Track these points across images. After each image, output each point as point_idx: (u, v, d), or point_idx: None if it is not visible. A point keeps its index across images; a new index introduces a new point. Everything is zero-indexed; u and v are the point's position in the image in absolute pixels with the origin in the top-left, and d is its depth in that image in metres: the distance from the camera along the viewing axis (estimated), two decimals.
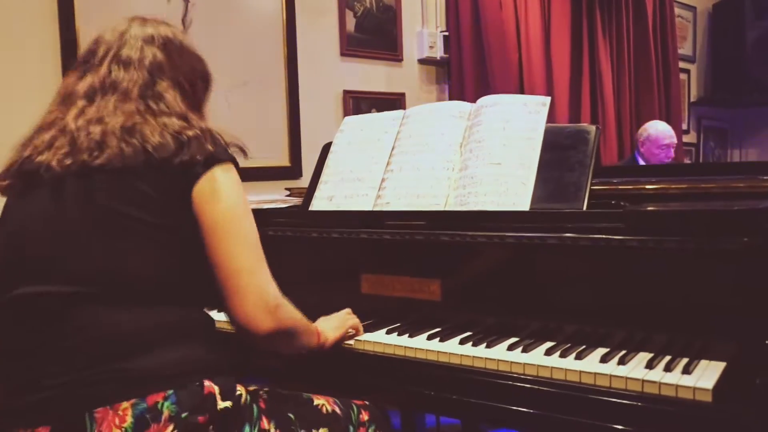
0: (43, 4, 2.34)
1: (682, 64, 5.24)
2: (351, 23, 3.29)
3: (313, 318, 1.33)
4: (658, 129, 3.95)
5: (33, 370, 1.05)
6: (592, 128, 1.50)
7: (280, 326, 1.14)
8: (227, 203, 1.14)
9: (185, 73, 1.25)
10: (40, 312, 1.07)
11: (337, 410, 1.27)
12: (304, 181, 2.57)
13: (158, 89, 1.19)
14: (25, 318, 1.08)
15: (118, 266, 1.09)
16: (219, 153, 1.16)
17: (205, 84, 1.32)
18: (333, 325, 1.38)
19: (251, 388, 1.21)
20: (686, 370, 1.10)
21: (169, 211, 1.12)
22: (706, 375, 1.09)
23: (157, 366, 1.05)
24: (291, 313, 1.20)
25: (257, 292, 1.12)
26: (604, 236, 1.28)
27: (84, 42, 2.37)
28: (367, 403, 1.33)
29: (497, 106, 1.61)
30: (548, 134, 1.52)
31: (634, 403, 1.09)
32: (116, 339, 1.06)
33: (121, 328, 1.07)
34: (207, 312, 1.22)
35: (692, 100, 5.62)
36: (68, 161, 1.11)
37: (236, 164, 1.20)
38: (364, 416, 1.30)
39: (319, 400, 1.27)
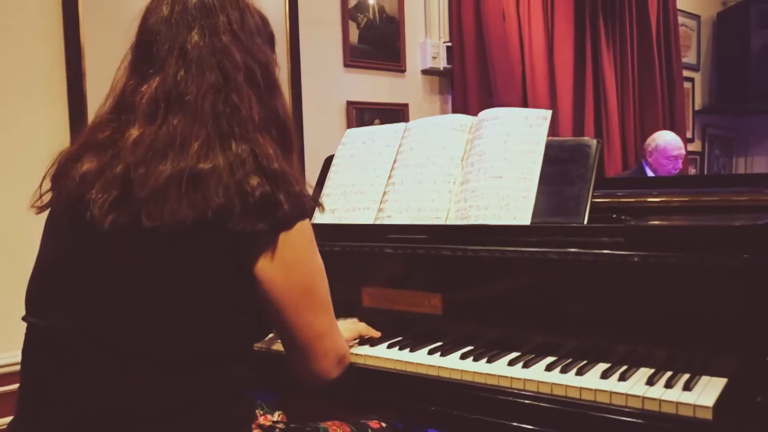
0: (49, 15, 2.36)
1: (686, 73, 5.23)
2: (354, 34, 3.31)
3: None
4: (666, 140, 3.94)
5: (42, 408, 1.00)
6: (593, 142, 1.50)
7: (344, 369, 1.19)
8: (300, 272, 1.05)
9: (255, 50, 1.08)
10: (57, 353, 1.00)
11: None
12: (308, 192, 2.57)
13: (232, 99, 1.02)
14: (42, 352, 1.03)
15: (149, 336, 0.98)
16: (286, 214, 1.00)
17: (272, 47, 1.17)
18: (346, 328, 1.42)
19: (265, 420, 1.21)
20: (687, 387, 1.10)
21: (223, 287, 1.00)
22: (707, 392, 1.08)
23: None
24: (349, 352, 1.24)
25: (334, 353, 1.15)
26: (605, 251, 1.28)
27: (90, 53, 2.38)
28: (383, 425, 1.31)
29: (498, 119, 1.61)
30: (549, 148, 1.52)
31: (635, 420, 1.08)
32: (130, 406, 0.98)
33: (140, 394, 0.98)
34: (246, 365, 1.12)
35: (697, 108, 5.61)
36: (113, 215, 0.96)
37: (309, 216, 1.07)
38: None
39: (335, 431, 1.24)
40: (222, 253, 0.99)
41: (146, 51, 1.05)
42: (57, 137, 1.11)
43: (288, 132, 1.13)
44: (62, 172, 1.05)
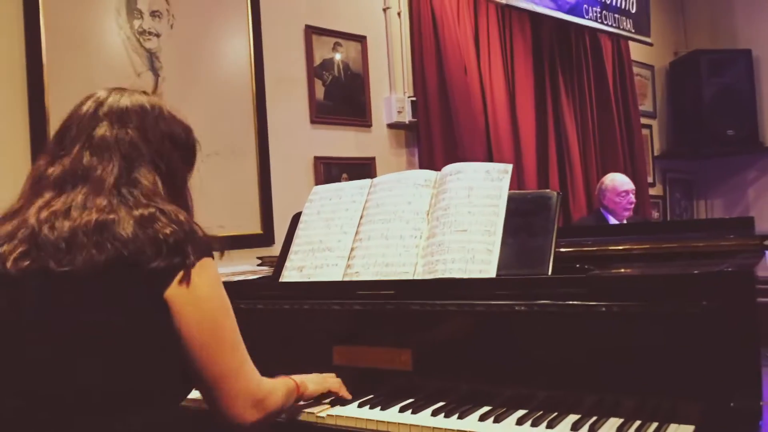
0: (13, 81, 2.37)
1: (644, 120, 5.42)
2: (320, 91, 3.37)
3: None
4: (614, 179, 4.12)
5: None
6: (553, 194, 1.54)
7: (267, 413, 1.17)
8: (207, 307, 1.10)
9: (162, 149, 1.19)
10: None
11: None
12: (277, 249, 2.58)
13: (135, 176, 1.13)
14: None
15: (78, 379, 1.02)
16: (195, 251, 1.09)
17: (186, 156, 1.27)
18: (312, 379, 1.40)
19: None
20: None
21: (140, 317, 1.05)
22: None
23: None
24: (275, 396, 1.21)
25: (244, 392, 1.14)
26: (570, 302, 1.30)
27: (54, 119, 2.39)
28: None
29: (461, 173, 1.64)
30: (511, 201, 1.55)
31: None
32: None
33: None
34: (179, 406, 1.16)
35: (656, 154, 5.78)
36: (26, 262, 1.04)
37: (212, 255, 1.14)
38: None
39: None
40: (137, 287, 1.04)
41: (61, 138, 1.18)
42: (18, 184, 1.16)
43: (189, 207, 1.25)
44: None
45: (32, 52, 2.39)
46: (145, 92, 1.25)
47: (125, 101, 1.20)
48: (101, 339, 1.03)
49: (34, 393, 1.01)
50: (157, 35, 2.74)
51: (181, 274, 1.07)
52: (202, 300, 1.08)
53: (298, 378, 1.36)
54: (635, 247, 1.73)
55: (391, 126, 3.70)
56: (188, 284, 1.07)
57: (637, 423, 1.17)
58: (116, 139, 1.15)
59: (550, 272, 1.42)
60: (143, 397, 1.05)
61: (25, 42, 2.39)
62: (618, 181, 4.09)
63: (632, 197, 4.08)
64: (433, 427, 1.27)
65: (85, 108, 1.19)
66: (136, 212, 1.08)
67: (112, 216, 1.06)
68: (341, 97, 3.46)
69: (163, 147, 1.19)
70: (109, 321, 1.04)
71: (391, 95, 3.70)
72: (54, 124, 2.38)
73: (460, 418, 1.29)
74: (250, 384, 1.15)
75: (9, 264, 1.04)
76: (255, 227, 3.02)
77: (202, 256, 1.10)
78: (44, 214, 1.08)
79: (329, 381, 1.45)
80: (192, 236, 1.10)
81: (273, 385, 1.23)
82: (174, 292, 1.06)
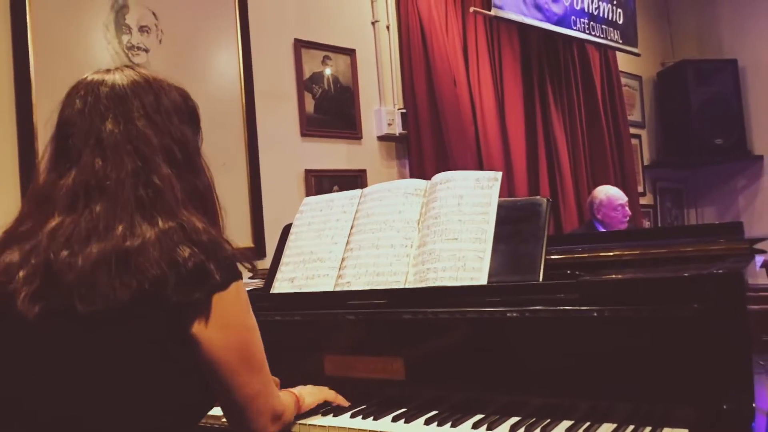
0: (1, 97, 2.36)
1: (633, 130, 5.45)
2: (310, 104, 3.38)
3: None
4: (607, 193, 4.09)
5: None
6: (543, 200, 1.54)
7: (284, 427, 1.20)
8: (236, 333, 1.05)
9: (172, 130, 1.10)
10: None
11: None
12: (268, 261, 2.57)
13: (152, 178, 1.03)
14: None
15: (104, 421, 0.98)
16: (221, 275, 1.01)
17: (192, 123, 1.18)
18: (309, 391, 1.41)
19: None
20: None
21: (162, 350, 1.00)
22: None
23: None
24: (291, 410, 1.25)
25: (270, 411, 1.14)
26: (561, 307, 1.30)
27: (43, 137, 2.38)
28: None
29: (451, 182, 1.65)
30: (501, 208, 1.55)
31: None
32: None
33: None
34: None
35: (646, 163, 5.81)
36: (40, 304, 0.95)
37: (241, 277, 1.07)
38: None
39: None
40: (160, 326, 0.99)
41: (63, 144, 1.07)
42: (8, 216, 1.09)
43: (212, 203, 1.15)
44: None
45: (20, 69, 2.39)
46: (130, 66, 1.16)
47: (120, 81, 1.09)
48: (119, 373, 0.98)
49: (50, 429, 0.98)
50: (146, 50, 2.74)
51: (205, 306, 1.00)
52: (229, 328, 1.03)
53: (296, 391, 1.37)
54: (626, 253, 1.73)
55: (381, 138, 3.71)
56: (214, 314, 1.01)
57: (631, 428, 1.17)
58: (126, 135, 1.05)
59: (541, 278, 1.42)
60: (161, 424, 1.02)
61: (12, 58, 2.39)
62: (613, 196, 4.04)
63: (627, 210, 4.06)
64: None
65: (80, 103, 1.08)
66: (155, 231, 0.99)
67: (134, 242, 0.97)
68: (331, 110, 3.47)
69: (172, 125, 1.10)
70: (128, 356, 0.98)
71: (381, 107, 3.71)
72: (43, 142, 2.38)
73: (453, 426, 1.28)
74: (273, 401, 1.16)
75: (20, 305, 0.95)
76: (246, 240, 3.01)
77: (229, 281, 1.02)
78: (60, 240, 0.97)
79: (324, 392, 1.45)
80: (215, 255, 1.01)
81: (287, 399, 1.27)
82: (199, 325, 1.00)
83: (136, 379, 0.99)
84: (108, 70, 1.14)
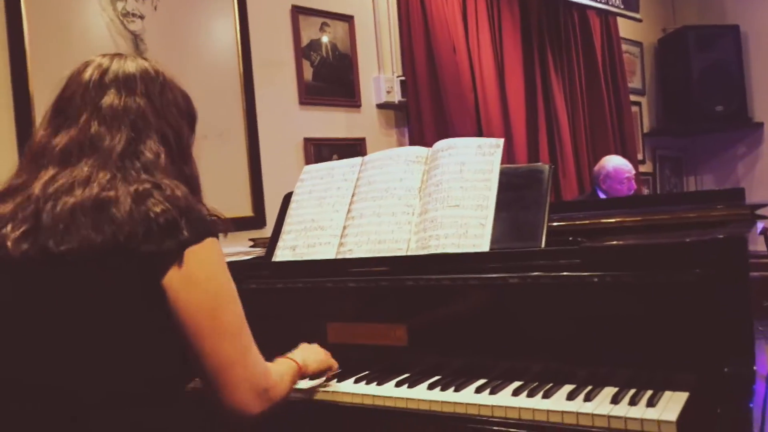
0: None
1: (633, 97, 5.42)
2: (308, 72, 3.34)
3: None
4: (615, 164, 3.99)
5: None
6: (545, 167, 1.54)
7: (273, 403, 1.12)
8: (205, 292, 1.03)
9: (170, 118, 1.16)
10: None
11: None
12: (268, 230, 2.57)
13: (141, 148, 1.09)
14: None
15: (75, 370, 0.99)
16: (192, 231, 1.03)
17: (190, 124, 1.24)
18: (313, 357, 1.37)
19: None
20: (650, 403, 1.12)
21: (135, 305, 1.01)
22: (670, 407, 1.10)
23: None
24: (282, 385, 1.17)
25: (247, 383, 1.07)
26: (563, 273, 1.31)
27: (39, 106, 2.36)
28: None
29: (453, 149, 1.64)
30: (503, 175, 1.55)
31: None
32: None
33: None
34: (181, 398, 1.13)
35: (645, 131, 5.79)
36: (26, 245, 1.00)
37: (216, 235, 1.08)
38: None
39: None
40: (132, 275, 1.00)
41: (63, 107, 1.13)
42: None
43: (197, 191, 1.19)
44: None
45: (14, 38, 2.35)
46: (145, 58, 1.21)
47: (130, 67, 1.15)
48: (98, 326, 1.00)
49: (31, 384, 0.99)
50: (141, 17, 2.70)
51: (175, 258, 1.01)
52: (199, 285, 1.02)
53: (299, 357, 1.32)
54: (627, 219, 1.73)
55: (380, 106, 3.68)
56: (184, 269, 1.01)
57: (632, 391, 1.18)
58: (125, 108, 1.11)
59: (543, 245, 1.42)
60: (141, 387, 1.02)
61: (6, 27, 2.35)
62: (620, 167, 3.93)
63: (633, 183, 3.96)
64: (430, 400, 1.27)
65: (87, 75, 1.13)
66: (133, 188, 1.03)
67: (111, 193, 1.01)
68: (330, 78, 3.43)
69: (170, 115, 1.16)
70: (105, 308, 1.00)
71: (379, 75, 3.67)
72: (39, 109, 2.36)
73: (456, 391, 1.30)
74: (254, 373, 1.09)
75: (10, 245, 1.00)
76: (246, 210, 3.00)
77: (200, 237, 1.04)
78: (50, 190, 1.03)
79: (329, 360, 1.42)
80: (188, 214, 1.04)
81: (280, 373, 1.19)
82: (170, 277, 1.01)
83: (109, 330, 1.00)
84: (122, 55, 1.18)
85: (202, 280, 1.03)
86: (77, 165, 1.05)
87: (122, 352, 1.00)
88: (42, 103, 2.36)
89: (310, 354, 1.37)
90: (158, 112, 1.14)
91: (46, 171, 1.06)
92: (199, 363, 1.05)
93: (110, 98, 1.11)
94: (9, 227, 1.02)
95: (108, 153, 1.06)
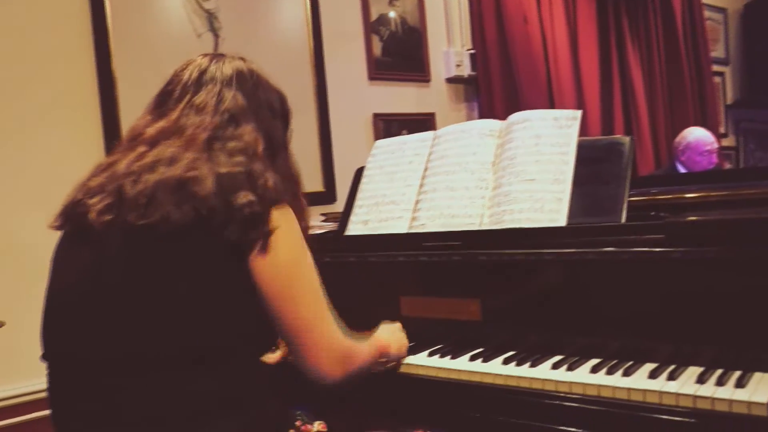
0: (81, 46, 2.43)
1: (715, 67, 5.16)
2: (377, 47, 3.33)
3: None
4: (697, 136, 3.82)
5: None
6: (627, 139, 1.48)
7: (351, 371, 1.15)
8: (287, 259, 1.07)
9: (263, 117, 1.19)
10: (77, 377, 1.05)
11: None
12: (339, 206, 2.59)
13: (232, 133, 1.13)
14: (63, 380, 1.08)
15: (156, 337, 1.02)
16: (266, 229, 1.05)
17: (283, 121, 1.27)
18: (396, 337, 1.39)
19: (305, 430, 1.20)
20: (739, 384, 1.07)
21: (214, 277, 1.04)
22: (761, 388, 1.05)
23: None
24: (361, 355, 1.20)
25: (327, 346, 1.11)
26: (645, 249, 1.26)
27: (122, 83, 2.44)
28: None
29: (528, 122, 1.60)
30: (581, 148, 1.50)
31: (686, 419, 1.06)
32: (157, 415, 1.00)
33: (168, 401, 1.01)
34: (260, 368, 1.16)
35: (728, 102, 5.51)
36: (109, 216, 1.04)
37: (298, 212, 1.13)
38: None
39: None
40: (210, 249, 1.03)
41: (162, 101, 1.19)
42: (92, 160, 1.17)
43: (296, 186, 1.23)
44: (74, 195, 1.13)
45: (97, 18, 2.44)
46: (242, 58, 1.25)
47: (227, 68, 1.20)
48: (175, 296, 1.02)
49: (110, 349, 1.02)
50: None
51: (262, 231, 1.04)
52: (281, 252, 1.06)
53: (384, 337, 1.34)
54: (712, 194, 1.65)
55: (450, 80, 3.63)
56: (269, 239, 1.05)
57: (719, 371, 1.14)
58: (219, 99, 1.15)
59: (623, 220, 1.38)
60: (220, 352, 1.04)
61: (90, 7, 2.44)
62: (702, 138, 3.76)
63: (714, 157, 3.79)
64: (505, 375, 1.26)
65: (187, 74, 1.19)
66: (221, 170, 1.06)
67: (194, 173, 1.04)
68: (399, 53, 3.41)
69: (264, 114, 1.20)
70: (183, 280, 1.02)
71: (449, 49, 3.63)
72: (121, 86, 2.45)
73: (532, 366, 1.28)
74: (331, 336, 1.12)
75: (93, 216, 1.05)
76: (317, 185, 3.04)
77: (284, 209, 1.08)
78: (134, 167, 1.08)
79: (405, 340, 1.43)
80: (275, 205, 1.07)
81: (360, 346, 1.21)
82: (252, 251, 1.04)
83: (186, 296, 1.02)
84: (221, 56, 1.24)
85: (283, 252, 1.07)
86: (162, 145, 1.10)
87: (201, 316, 1.03)
88: (125, 80, 2.45)
89: (393, 335, 1.39)
90: (252, 110, 1.18)
91: (134, 151, 1.12)
92: (281, 328, 1.10)
93: (204, 94, 1.16)
94: (95, 199, 1.07)
95: (193, 137, 1.10)
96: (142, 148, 1.11)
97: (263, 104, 1.21)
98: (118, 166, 1.10)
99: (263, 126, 1.18)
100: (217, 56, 1.23)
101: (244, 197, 1.03)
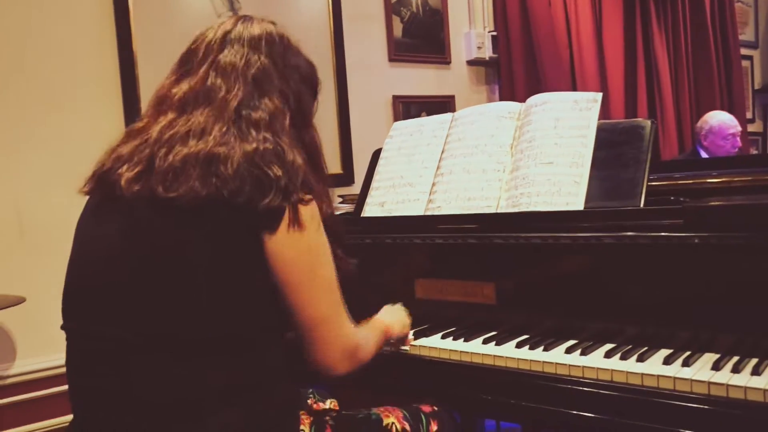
0: (102, 26, 2.44)
1: (744, 51, 5.04)
2: (398, 28, 3.31)
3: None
4: (720, 119, 3.74)
5: (89, 410, 1.05)
6: (647, 123, 1.46)
7: (358, 364, 1.15)
8: (308, 248, 1.06)
9: (291, 81, 1.16)
10: (95, 352, 1.04)
11: (408, 427, 1.22)
12: (357, 188, 2.59)
13: (259, 103, 1.10)
14: (81, 353, 1.07)
15: (177, 316, 1.01)
16: (294, 198, 1.04)
17: (311, 90, 1.24)
18: (398, 319, 1.38)
19: (317, 408, 1.21)
20: (756, 372, 1.06)
21: (234, 256, 1.03)
22: None
23: (221, 427, 1.00)
24: (368, 347, 1.19)
25: (339, 341, 1.10)
26: (663, 234, 1.25)
27: (143, 63, 2.46)
28: (435, 408, 1.29)
29: (547, 104, 1.58)
30: (601, 131, 1.48)
31: (700, 406, 1.05)
32: (174, 395, 1.00)
33: (181, 384, 1.00)
34: (277, 347, 1.13)
35: (756, 87, 5.39)
36: (138, 186, 1.03)
37: (319, 198, 1.10)
38: (434, 426, 1.26)
39: (388, 419, 1.22)
40: (234, 228, 1.02)
41: (187, 59, 1.16)
42: (112, 140, 1.16)
43: (319, 158, 1.19)
44: (103, 161, 1.11)
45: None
46: (272, 22, 1.22)
47: (255, 29, 1.17)
48: (198, 273, 1.01)
49: (131, 325, 1.02)
50: None
51: (283, 218, 1.03)
52: (300, 242, 1.05)
53: (386, 320, 1.34)
54: (735, 179, 1.62)
55: (470, 63, 3.60)
56: (289, 227, 1.04)
57: (735, 359, 1.12)
58: (246, 63, 1.12)
59: (642, 205, 1.36)
60: (238, 337, 1.04)
61: None
62: (725, 122, 3.70)
63: (738, 141, 3.71)
64: (518, 359, 1.26)
65: (211, 34, 1.16)
66: (250, 147, 1.04)
67: (223, 149, 1.03)
68: (419, 34, 3.38)
69: (292, 78, 1.16)
70: (204, 255, 1.01)
71: (470, 30, 3.59)
72: (142, 65, 2.46)
73: (545, 350, 1.28)
74: (344, 332, 1.11)
75: (123, 184, 1.03)
76: (335, 167, 3.04)
77: (307, 201, 1.06)
78: (166, 135, 1.06)
79: (408, 320, 1.43)
80: (297, 181, 1.05)
81: (366, 336, 1.20)
82: (271, 234, 1.03)
83: (208, 275, 1.01)
84: (249, 18, 1.20)
85: (303, 241, 1.05)
86: (193, 113, 1.08)
87: (219, 299, 1.02)
88: (146, 62, 2.46)
89: (395, 316, 1.39)
90: (280, 74, 1.15)
91: (165, 117, 1.09)
92: (293, 317, 1.09)
93: (231, 54, 1.13)
94: (125, 167, 1.05)
95: (224, 105, 1.08)
96: (171, 114, 1.09)
97: (293, 68, 1.18)
98: (150, 132, 1.08)
99: (293, 90, 1.16)
100: (244, 17, 1.20)
101: (275, 171, 1.03)
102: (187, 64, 1.15)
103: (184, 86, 1.11)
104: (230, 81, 1.10)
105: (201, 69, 1.12)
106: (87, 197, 1.15)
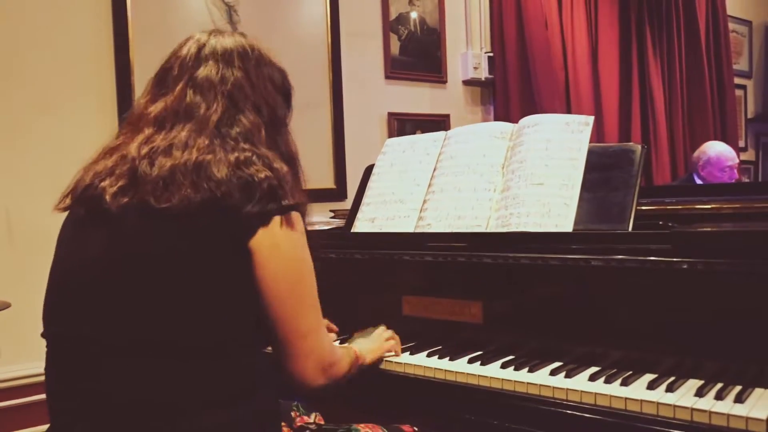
0: (100, 35, 2.45)
1: (738, 80, 5.09)
2: (395, 46, 3.33)
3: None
4: (719, 151, 3.71)
5: (68, 415, 1.04)
6: (638, 147, 1.47)
7: (332, 380, 1.15)
8: (290, 261, 1.06)
9: (265, 92, 1.18)
10: (77, 357, 1.04)
11: None
12: (349, 203, 2.59)
13: (238, 118, 1.12)
14: (62, 359, 1.07)
15: (161, 321, 1.01)
16: (284, 203, 1.05)
17: (285, 98, 1.26)
18: (370, 347, 1.37)
19: (301, 422, 1.20)
20: (738, 399, 1.06)
21: (222, 262, 1.03)
22: (760, 404, 1.04)
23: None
24: (342, 364, 1.19)
25: (316, 355, 1.10)
26: (651, 258, 1.25)
27: (139, 72, 2.46)
28: (415, 429, 1.29)
29: (539, 125, 1.59)
30: (592, 154, 1.49)
31: None
32: (152, 400, 1.00)
33: (161, 389, 1.00)
34: (259, 358, 1.13)
35: (749, 116, 5.44)
36: (125, 198, 1.03)
37: (303, 211, 1.12)
38: None
39: None
40: (223, 234, 1.02)
41: (162, 77, 1.17)
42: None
43: (296, 166, 1.20)
44: (81, 178, 1.12)
45: (118, 7, 2.46)
46: (242, 34, 1.24)
47: (227, 42, 1.18)
48: (185, 280, 1.02)
49: (117, 330, 1.02)
50: None
51: (268, 223, 1.04)
52: (286, 254, 1.05)
53: (357, 347, 1.32)
54: (725, 206, 1.63)
55: (466, 83, 3.62)
56: (275, 236, 1.04)
57: (719, 385, 1.12)
58: (221, 79, 1.14)
59: (630, 228, 1.36)
60: (221, 344, 1.04)
61: None
62: (723, 154, 3.67)
63: (735, 173, 3.68)
64: (503, 379, 1.25)
65: (185, 49, 1.17)
66: (232, 156, 1.05)
67: (210, 156, 1.04)
68: (416, 53, 3.41)
69: (266, 90, 1.18)
70: (195, 263, 1.02)
71: (467, 51, 3.62)
72: (138, 75, 2.47)
73: (530, 371, 1.27)
74: (323, 346, 1.12)
75: (108, 198, 1.03)
76: (328, 182, 3.04)
77: (291, 209, 1.07)
78: (144, 149, 1.06)
79: (385, 344, 1.42)
80: (285, 186, 1.07)
81: (341, 354, 1.21)
82: (260, 241, 1.03)
83: (197, 283, 1.01)
84: (220, 31, 1.22)
85: (289, 252, 1.06)
86: (173, 130, 1.09)
87: (203, 306, 1.02)
88: (142, 70, 2.47)
89: (367, 344, 1.38)
90: (254, 86, 1.16)
91: (143, 133, 1.10)
92: (274, 330, 1.08)
93: (206, 70, 1.14)
94: (107, 182, 1.05)
95: (204, 121, 1.09)
96: (148, 131, 1.10)
97: (266, 78, 1.19)
98: (128, 148, 1.08)
99: (266, 101, 1.17)
100: (215, 31, 1.22)
101: (261, 172, 1.04)
102: (162, 82, 1.16)
103: (160, 104, 1.13)
104: (209, 98, 1.12)
105: (177, 86, 1.13)
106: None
